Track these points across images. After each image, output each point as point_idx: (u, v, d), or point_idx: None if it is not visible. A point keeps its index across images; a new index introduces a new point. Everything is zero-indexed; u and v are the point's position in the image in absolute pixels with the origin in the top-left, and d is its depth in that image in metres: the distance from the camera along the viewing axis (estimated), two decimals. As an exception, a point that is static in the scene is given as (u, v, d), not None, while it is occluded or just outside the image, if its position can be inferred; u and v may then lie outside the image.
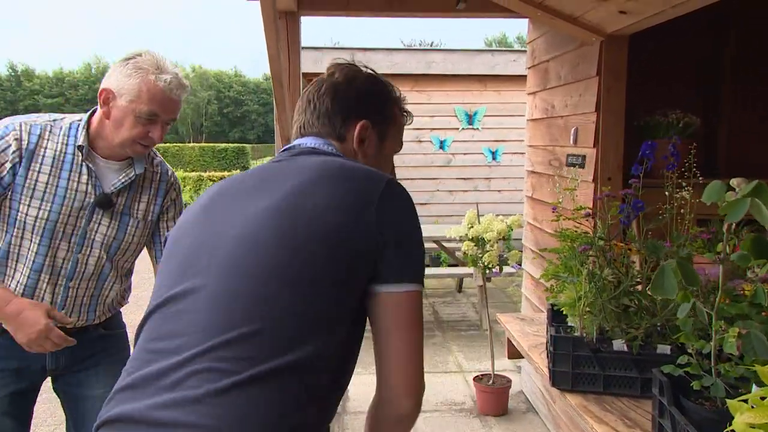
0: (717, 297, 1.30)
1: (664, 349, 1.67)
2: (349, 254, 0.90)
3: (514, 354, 2.66)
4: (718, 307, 1.30)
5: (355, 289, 0.92)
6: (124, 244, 1.67)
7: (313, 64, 7.19)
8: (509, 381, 3.42)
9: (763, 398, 0.98)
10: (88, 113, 1.62)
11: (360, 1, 2.94)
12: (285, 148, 1.14)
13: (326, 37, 39.03)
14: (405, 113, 1.22)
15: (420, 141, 7.75)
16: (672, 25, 2.60)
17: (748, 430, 0.95)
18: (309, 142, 1.11)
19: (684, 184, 1.88)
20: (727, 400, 1.06)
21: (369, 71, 1.18)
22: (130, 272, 1.80)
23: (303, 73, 7.92)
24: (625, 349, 1.71)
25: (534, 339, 2.25)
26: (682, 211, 1.88)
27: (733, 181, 1.22)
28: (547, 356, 1.83)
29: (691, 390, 1.32)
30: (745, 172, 2.97)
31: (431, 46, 18.48)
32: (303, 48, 7.67)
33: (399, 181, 1.02)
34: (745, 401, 1.01)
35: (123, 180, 1.62)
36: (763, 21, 3.03)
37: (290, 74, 3.03)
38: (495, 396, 3.33)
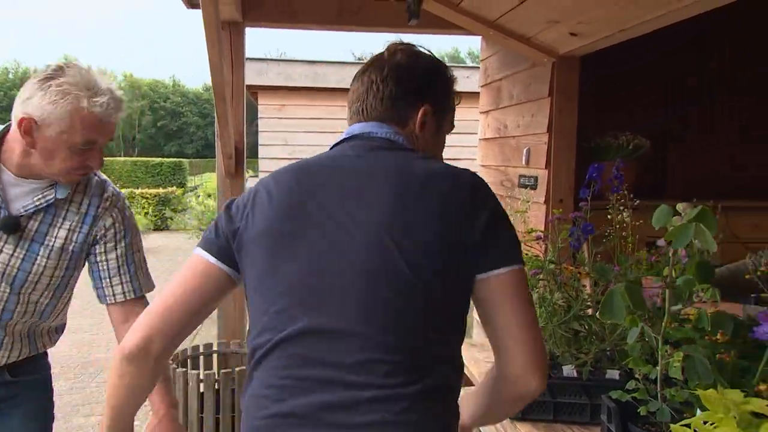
0: (663, 321, 1.37)
1: (613, 374, 1.74)
2: (461, 262, 0.99)
3: (466, 382, 2.70)
4: (664, 332, 1.37)
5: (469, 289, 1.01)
6: (32, 277, 1.46)
7: (256, 75, 7.17)
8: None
9: (705, 422, 1.04)
10: (2, 128, 1.47)
11: (308, 13, 2.98)
12: (354, 134, 1.14)
13: (272, 47, 39.00)
14: (457, 94, 1.25)
15: (371, 158, 7.81)
16: (633, 47, 2.76)
17: (691, 455, 1.00)
18: (377, 130, 1.12)
19: (627, 206, 1.98)
20: (671, 426, 1.12)
21: (428, 52, 1.20)
22: (56, 310, 1.58)
23: (246, 85, 7.84)
24: (575, 374, 1.77)
25: (485, 366, 2.29)
26: (624, 234, 1.98)
27: (680, 206, 1.30)
28: (498, 383, 1.87)
29: (638, 416, 1.38)
30: (698, 194, 3.17)
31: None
32: (246, 59, 7.61)
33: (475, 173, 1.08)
34: (689, 426, 1.07)
35: (37, 203, 1.44)
36: (739, 42, 3.23)
37: (234, 88, 3.02)
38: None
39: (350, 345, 0.92)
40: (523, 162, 2.97)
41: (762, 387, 1.18)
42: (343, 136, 1.16)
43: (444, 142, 1.25)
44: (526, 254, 1.98)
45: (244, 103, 3.14)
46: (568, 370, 1.78)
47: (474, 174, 1.07)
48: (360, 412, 0.90)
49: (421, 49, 1.20)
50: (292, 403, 0.92)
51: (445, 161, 1.15)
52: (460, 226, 0.98)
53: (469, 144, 7.51)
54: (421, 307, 0.95)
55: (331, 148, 1.16)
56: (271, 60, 7.34)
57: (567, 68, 2.61)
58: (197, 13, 2.26)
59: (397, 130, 1.13)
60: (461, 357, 1.06)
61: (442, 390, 0.97)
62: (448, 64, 1.30)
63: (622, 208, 1.95)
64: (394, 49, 1.18)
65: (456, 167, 1.07)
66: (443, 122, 1.20)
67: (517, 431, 1.73)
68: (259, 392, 0.97)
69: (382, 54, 1.18)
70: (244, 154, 3.15)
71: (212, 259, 1.06)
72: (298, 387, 0.93)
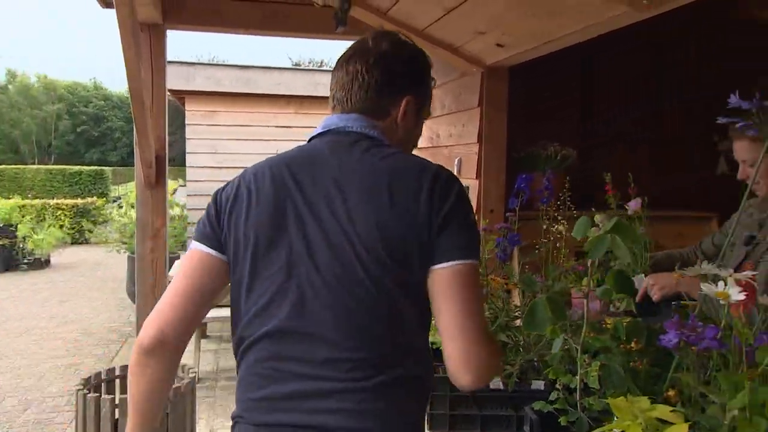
0: (583, 331, 1.43)
1: (539, 384, 1.80)
2: (420, 261, 1.04)
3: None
4: (584, 342, 1.43)
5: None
6: None
7: (184, 81, 7.01)
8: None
9: (614, 431, 1.09)
10: None
11: (234, 16, 2.95)
12: (329, 129, 1.18)
13: (203, 50, 38.20)
14: (433, 79, 1.30)
15: (306, 167, 7.76)
16: (560, 58, 2.87)
17: (602, 464, 1.05)
18: (353, 124, 1.16)
19: (557, 217, 2.06)
20: (587, 435, 1.17)
21: (409, 40, 1.24)
22: None
23: (171, 90, 7.65)
24: (502, 386, 1.81)
25: (416, 380, 2.32)
26: (558, 244, 2.06)
27: (597, 217, 1.36)
28: (426, 398, 1.89)
29: (557, 425, 1.43)
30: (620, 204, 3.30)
31: (321, 65, 18.75)
32: (171, 62, 7.42)
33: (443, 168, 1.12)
34: (601, 434, 1.12)
35: None
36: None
37: (153, 93, 2.94)
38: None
39: (320, 346, 1.05)
40: (455, 172, 3.04)
41: (671, 393, 1.24)
42: (319, 129, 1.20)
43: (420, 131, 1.30)
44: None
45: (165, 108, 3.07)
46: (495, 382, 1.82)
47: (440, 168, 1.11)
48: (328, 401, 1.04)
49: (403, 38, 1.25)
50: (273, 389, 1.07)
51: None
52: (420, 224, 1.04)
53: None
54: (385, 314, 1.05)
55: (308, 141, 1.21)
56: (199, 64, 7.20)
57: (496, 78, 2.70)
58: (114, 14, 2.20)
59: (375, 122, 1.18)
60: (427, 347, 1.16)
61: (405, 380, 1.06)
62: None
63: (558, 218, 2.03)
64: (379, 36, 1.21)
65: (426, 163, 1.13)
66: (423, 110, 1.26)
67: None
68: (247, 377, 1.12)
69: (366, 41, 1.21)
70: (166, 162, 3.07)
71: (207, 250, 1.14)
72: (278, 376, 1.08)
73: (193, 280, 1.13)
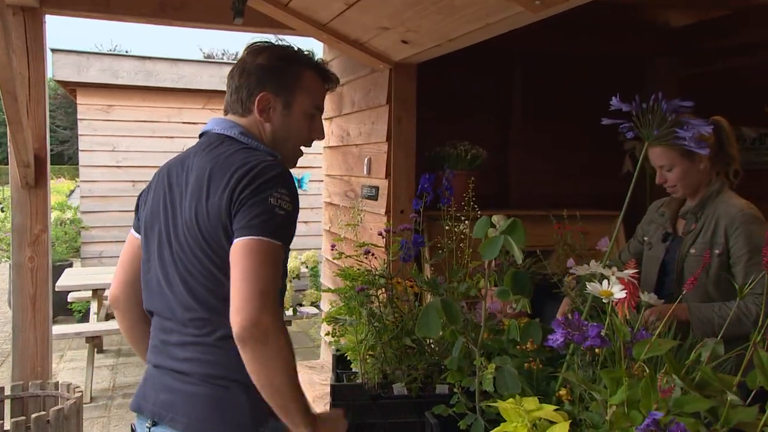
0: (480, 333, 1.47)
1: (443, 389, 1.84)
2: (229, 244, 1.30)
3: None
4: (481, 344, 1.47)
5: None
6: None
7: (76, 72, 6.66)
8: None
9: (505, 432, 1.14)
10: None
11: (124, 4, 2.82)
12: (203, 131, 1.48)
13: (103, 39, 36.31)
14: (323, 76, 1.49)
15: (215, 166, 7.56)
16: (472, 59, 2.95)
17: (489, 467, 1.09)
18: (216, 126, 1.44)
19: (462, 217, 2.11)
20: (478, 438, 1.21)
21: (283, 45, 1.48)
22: None
23: (60, 82, 7.23)
24: (406, 392, 1.84)
25: (321, 389, 2.32)
26: (461, 245, 2.11)
27: (494, 218, 1.40)
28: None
29: (459, 430, 1.47)
30: (535, 204, 3.44)
31: (235, 57, 18.34)
32: (58, 51, 7.03)
33: (269, 164, 1.32)
34: (491, 437, 1.16)
35: None
36: (548, 63, 3.57)
37: (31, 83, 2.78)
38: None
39: (178, 308, 1.37)
40: (365, 172, 3.05)
41: (562, 392, 1.31)
42: (201, 130, 1.49)
43: (300, 125, 1.47)
44: (357, 269, 2.04)
45: (46, 101, 2.90)
46: (399, 389, 1.84)
47: (255, 167, 1.30)
48: (185, 351, 1.37)
49: (277, 43, 1.48)
50: (157, 339, 1.44)
51: (265, 158, 1.35)
52: (224, 212, 1.29)
53: (321, 151, 7.61)
54: (212, 284, 1.33)
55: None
56: (93, 54, 6.84)
57: (404, 76, 2.74)
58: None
59: (238, 120, 1.44)
60: None
61: (228, 338, 1.27)
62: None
63: (462, 218, 2.07)
64: (246, 48, 1.48)
65: (248, 161, 1.32)
66: (291, 105, 1.43)
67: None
68: (151, 329, 1.48)
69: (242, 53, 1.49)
70: (48, 161, 2.91)
71: (132, 231, 1.54)
72: (159, 329, 1.44)
73: (127, 255, 1.53)
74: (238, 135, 1.41)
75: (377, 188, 2.93)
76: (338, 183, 3.54)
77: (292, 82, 1.43)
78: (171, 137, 7.39)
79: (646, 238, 2.22)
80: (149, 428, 1.40)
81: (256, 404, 1.31)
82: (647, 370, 1.04)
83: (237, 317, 1.20)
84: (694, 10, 3.50)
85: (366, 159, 3.03)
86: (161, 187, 1.44)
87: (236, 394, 1.33)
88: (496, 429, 1.13)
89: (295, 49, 1.47)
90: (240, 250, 1.25)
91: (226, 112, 1.48)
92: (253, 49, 1.46)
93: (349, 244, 2.42)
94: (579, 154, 3.66)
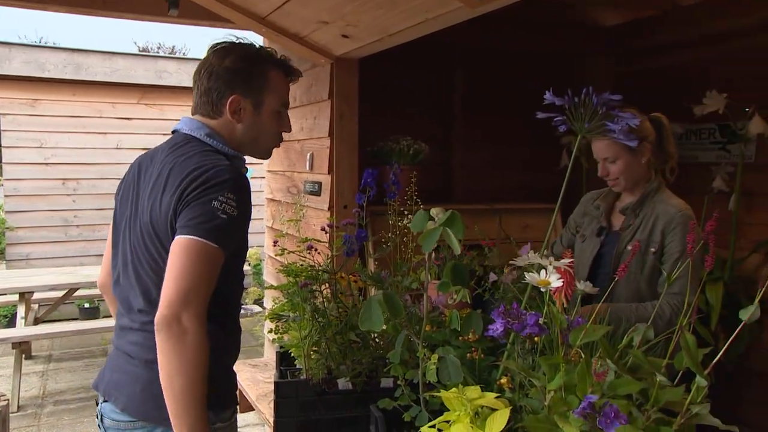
0: (423, 326, 1.50)
1: (388, 382, 1.85)
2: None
3: (248, 407, 2.67)
4: (424, 335, 1.49)
5: None
6: None
7: (-3, 63, 6.35)
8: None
9: (448, 421, 1.16)
10: None
11: (51, -9, 2.71)
12: (174, 129, 1.55)
13: (28, 29, 34.61)
14: (286, 72, 1.56)
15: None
16: (414, 55, 2.97)
17: (433, 455, 1.11)
18: (184, 126, 1.51)
19: (406, 211, 2.14)
20: (422, 429, 1.23)
21: (247, 45, 1.52)
22: None
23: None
24: (351, 387, 1.85)
25: (265, 387, 2.30)
26: (405, 239, 2.14)
27: (433, 211, 1.42)
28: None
29: (404, 422, 1.49)
30: (477, 198, 3.50)
31: (172, 51, 17.79)
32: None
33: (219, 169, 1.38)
34: (435, 426, 1.18)
35: None
36: (488, 59, 3.64)
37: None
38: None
39: (131, 296, 1.47)
40: (307, 167, 3.04)
41: (503, 380, 1.35)
42: (173, 128, 1.55)
43: (270, 123, 1.54)
44: (301, 265, 2.04)
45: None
46: (343, 384, 1.85)
47: (207, 170, 1.36)
48: (132, 336, 1.48)
49: (241, 43, 1.52)
50: (118, 323, 1.55)
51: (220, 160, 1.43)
52: (173, 210, 1.36)
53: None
54: (159, 276, 1.37)
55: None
56: (15, 45, 6.51)
57: (346, 71, 2.74)
58: None
59: (208, 121, 1.50)
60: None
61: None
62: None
63: (405, 212, 2.10)
64: (212, 48, 1.52)
65: (202, 163, 1.39)
66: (261, 105, 1.51)
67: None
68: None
69: (208, 54, 1.53)
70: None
71: (112, 220, 1.59)
72: (119, 314, 1.55)
73: (109, 241, 1.62)
74: (204, 137, 1.48)
75: (320, 184, 2.93)
76: (280, 179, 3.51)
77: (260, 84, 1.50)
78: (104, 133, 7.14)
79: (579, 230, 2.28)
80: (99, 404, 1.52)
81: None
82: (583, 356, 1.08)
83: (161, 310, 1.28)
84: (626, 10, 3.65)
85: (308, 154, 3.02)
86: (132, 178, 1.53)
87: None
88: (439, 418, 1.16)
89: (258, 48, 1.53)
90: (175, 247, 1.32)
91: (194, 112, 1.53)
92: (219, 51, 1.50)
93: (291, 241, 2.41)
94: (519, 148, 3.75)
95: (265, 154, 1.62)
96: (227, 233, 1.33)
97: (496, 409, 1.12)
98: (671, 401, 1.10)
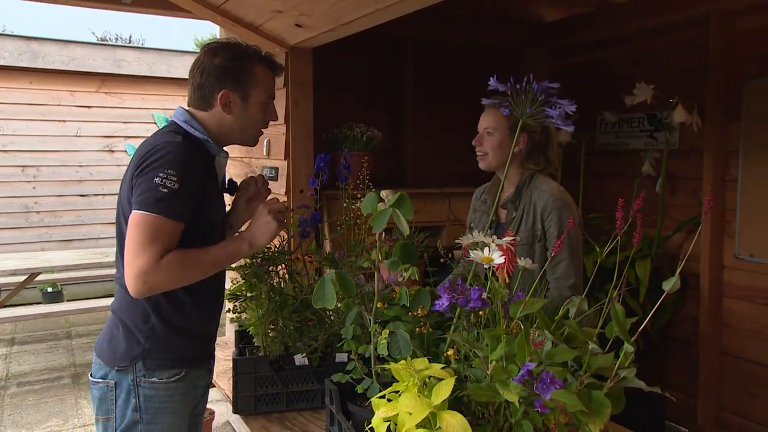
0: (374, 303, 1.49)
1: (342, 357, 1.85)
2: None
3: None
4: (376, 312, 1.48)
5: None
6: None
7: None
8: (212, 412, 3.36)
9: (397, 392, 1.16)
10: None
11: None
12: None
13: (-13, 16, 32.78)
14: (271, 67, 1.64)
15: (112, 150, 7.12)
16: (368, 47, 2.92)
17: (382, 425, 1.11)
18: (176, 116, 1.59)
19: (358, 195, 2.12)
20: (372, 399, 1.22)
21: (234, 44, 1.61)
22: None
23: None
24: (307, 362, 1.83)
25: (225, 364, 2.26)
26: (358, 221, 2.12)
27: (383, 193, 1.40)
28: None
29: (356, 394, 1.48)
30: (429, 182, 3.50)
31: (129, 41, 17.17)
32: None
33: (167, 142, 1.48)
34: (384, 397, 1.18)
35: None
36: (436, 48, 3.63)
37: None
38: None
39: (118, 268, 1.57)
40: (264, 153, 2.98)
41: (450, 352, 1.35)
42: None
43: (256, 113, 1.62)
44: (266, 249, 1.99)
45: None
46: (300, 359, 1.83)
47: (157, 146, 1.45)
48: (116, 293, 1.61)
49: (229, 42, 1.62)
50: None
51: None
52: (131, 186, 1.45)
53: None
54: (123, 251, 1.48)
55: None
56: (-30, 32, 6.17)
57: (300, 60, 2.69)
58: None
59: (198, 113, 1.59)
60: None
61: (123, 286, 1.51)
62: (194, 52, 1.50)
63: (358, 195, 2.07)
64: (204, 47, 1.61)
65: (156, 142, 1.47)
66: (248, 98, 1.59)
67: (248, 427, 1.74)
68: None
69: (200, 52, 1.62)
70: None
71: None
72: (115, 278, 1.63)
73: None
74: (182, 123, 1.57)
75: (277, 169, 2.88)
76: (239, 165, 3.44)
77: (247, 79, 1.58)
78: (63, 121, 6.85)
79: (472, 225, 2.21)
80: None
81: (129, 343, 1.53)
82: (522, 327, 1.09)
83: (127, 280, 1.43)
84: (564, 5, 3.69)
85: (265, 141, 2.96)
86: (130, 162, 1.59)
87: (119, 330, 1.55)
88: (389, 389, 1.15)
89: (245, 46, 1.62)
90: (130, 222, 1.43)
91: (189, 104, 1.63)
92: (210, 50, 1.59)
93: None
94: (468, 135, 3.74)
95: (253, 141, 1.71)
96: (172, 204, 1.42)
97: (443, 379, 1.12)
98: (602, 367, 1.12)
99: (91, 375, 1.60)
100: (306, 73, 2.71)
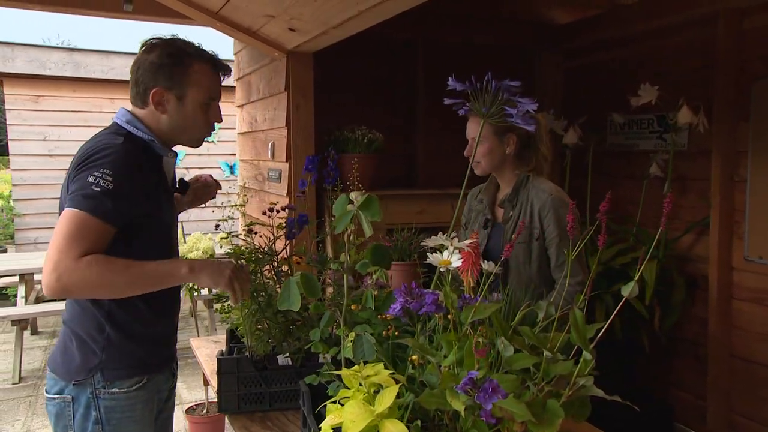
0: (344, 305, 1.41)
1: (327, 358, 1.78)
2: None
3: (206, 382, 2.59)
4: (345, 314, 1.41)
5: None
6: None
7: (1, 63, 6.18)
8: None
9: (347, 398, 1.09)
10: None
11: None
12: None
13: (51, 33, 34.00)
14: (214, 66, 1.51)
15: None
16: (379, 50, 2.85)
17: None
18: (117, 116, 1.50)
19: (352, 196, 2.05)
20: (327, 404, 1.15)
21: (171, 41, 1.48)
22: None
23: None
24: (290, 363, 1.77)
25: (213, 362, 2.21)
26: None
27: (352, 195, 1.34)
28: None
29: (328, 396, 1.41)
30: (440, 184, 3.39)
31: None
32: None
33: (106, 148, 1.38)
34: (337, 402, 1.10)
35: None
36: (448, 52, 3.53)
37: None
38: (209, 425, 3.22)
39: None
40: (269, 156, 2.94)
41: (414, 357, 1.27)
42: None
43: (195, 114, 1.50)
44: (246, 248, 1.95)
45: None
46: (283, 360, 1.78)
47: (94, 146, 1.38)
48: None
49: (168, 39, 1.48)
50: None
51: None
52: (67, 187, 1.38)
53: (227, 138, 7.29)
54: None
55: None
56: (18, 45, 6.35)
57: (300, 63, 2.63)
58: None
59: (136, 111, 1.50)
60: None
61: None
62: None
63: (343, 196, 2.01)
64: (142, 44, 1.50)
65: (94, 143, 1.41)
66: (184, 97, 1.47)
67: (230, 426, 1.69)
68: None
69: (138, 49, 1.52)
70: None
71: None
72: None
73: None
74: (124, 123, 1.48)
75: (280, 171, 2.83)
76: (249, 167, 3.42)
77: (182, 78, 1.46)
78: (103, 127, 6.98)
79: (468, 226, 2.13)
80: None
81: (85, 355, 1.42)
82: (472, 333, 1.01)
83: (42, 277, 1.30)
84: (575, 8, 3.55)
85: (270, 144, 2.92)
86: None
87: (72, 342, 1.45)
88: (339, 394, 1.08)
89: (184, 44, 1.48)
90: (60, 218, 1.34)
91: (131, 102, 1.54)
92: (147, 47, 1.48)
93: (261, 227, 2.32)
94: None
95: (195, 143, 1.58)
96: (102, 203, 1.31)
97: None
98: (563, 375, 1.03)
99: (46, 391, 1.49)
100: (306, 77, 2.65)
